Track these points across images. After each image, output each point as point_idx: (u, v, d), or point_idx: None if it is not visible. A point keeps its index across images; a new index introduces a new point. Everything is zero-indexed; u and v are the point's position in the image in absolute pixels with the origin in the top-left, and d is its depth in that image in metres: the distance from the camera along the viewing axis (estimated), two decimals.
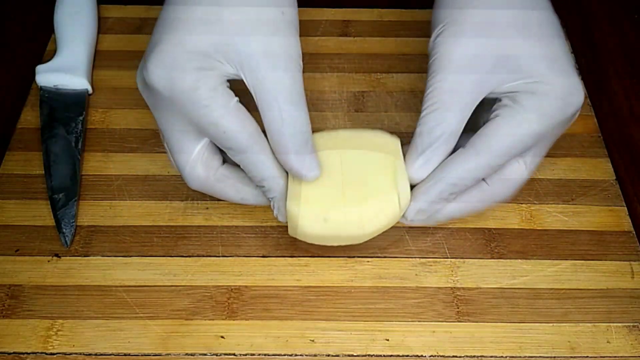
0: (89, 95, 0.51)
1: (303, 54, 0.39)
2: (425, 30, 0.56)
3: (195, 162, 0.39)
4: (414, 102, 0.51)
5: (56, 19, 0.53)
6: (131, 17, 0.56)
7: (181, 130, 0.39)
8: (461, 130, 0.39)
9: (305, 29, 0.56)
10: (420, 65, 0.54)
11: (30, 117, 0.50)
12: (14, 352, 0.39)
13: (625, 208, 0.46)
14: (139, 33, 0.55)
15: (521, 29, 0.39)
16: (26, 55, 0.55)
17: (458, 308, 0.41)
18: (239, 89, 0.38)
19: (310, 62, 0.53)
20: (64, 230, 0.43)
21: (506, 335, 0.40)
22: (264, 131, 0.38)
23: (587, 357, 0.39)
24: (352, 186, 0.39)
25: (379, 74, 0.53)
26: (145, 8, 0.57)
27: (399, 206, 0.39)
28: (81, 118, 0.49)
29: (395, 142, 0.41)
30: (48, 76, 0.50)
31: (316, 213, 0.38)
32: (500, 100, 0.39)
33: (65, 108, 0.49)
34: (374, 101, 0.51)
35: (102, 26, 0.56)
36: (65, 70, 0.50)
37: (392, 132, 0.42)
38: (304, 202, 0.38)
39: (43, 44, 0.54)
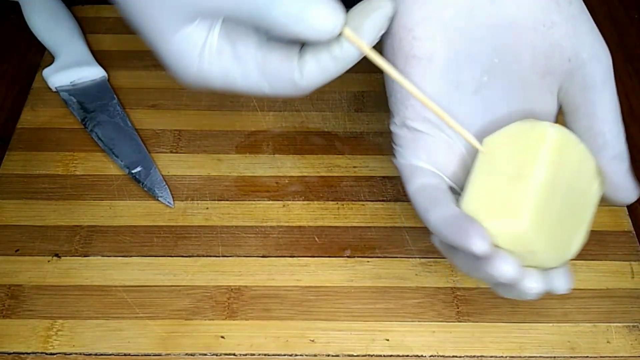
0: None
1: None
2: None
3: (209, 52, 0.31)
4: None
5: (36, 29, 0.54)
6: None
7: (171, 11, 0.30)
8: None
9: None
10: None
11: (30, 117, 0.50)
12: (14, 352, 0.39)
13: (625, 208, 0.46)
14: None
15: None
16: (26, 55, 0.55)
17: (458, 308, 0.41)
18: None
19: None
20: (160, 195, 0.45)
21: (506, 335, 0.40)
22: None
23: (587, 357, 0.39)
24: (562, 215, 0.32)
25: (379, 74, 0.53)
26: None
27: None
28: (115, 101, 0.50)
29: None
30: (60, 76, 0.51)
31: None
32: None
33: (94, 98, 0.50)
34: (374, 101, 0.51)
35: (102, 26, 0.56)
36: (76, 65, 0.51)
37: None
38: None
39: (43, 45, 0.54)
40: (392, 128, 0.36)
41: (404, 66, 0.34)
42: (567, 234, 0.33)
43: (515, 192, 0.31)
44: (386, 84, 0.36)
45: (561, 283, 0.33)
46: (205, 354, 0.39)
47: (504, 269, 0.31)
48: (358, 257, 0.43)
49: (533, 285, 0.32)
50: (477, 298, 0.41)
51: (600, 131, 0.34)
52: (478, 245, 0.30)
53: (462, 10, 0.33)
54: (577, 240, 0.33)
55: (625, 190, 0.34)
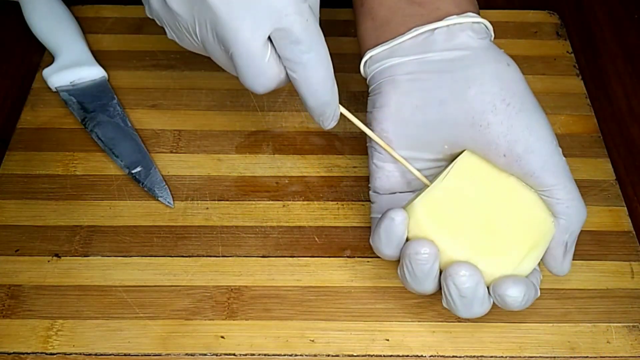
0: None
1: None
2: None
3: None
4: None
5: (36, 29, 0.54)
6: (131, 17, 0.56)
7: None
8: None
9: None
10: None
11: (30, 117, 0.50)
12: (14, 352, 0.39)
13: (625, 208, 0.46)
14: (139, 33, 0.55)
15: None
16: (26, 55, 0.55)
17: None
18: None
19: None
20: (160, 195, 0.45)
21: (506, 335, 0.40)
22: None
23: (587, 357, 0.39)
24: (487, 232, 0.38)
25: None
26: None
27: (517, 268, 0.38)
28: (115, 101, 0.50)
29: (548, 222, 0.39)
30: (60, 76, 0.51)
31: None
32: None
33: (94, 98, 0.50)
34: None
35: (102, 26, 0.56)
36: (76, 65, 0.51)
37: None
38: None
39: (43, 45, 0.54)
40: (370, 193, 0.43)
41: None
42: (506, 245, 0.37)
43: (423, 191, 0.39)
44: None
45: (506, 288, 0.36)
46: (205, 354, 0.39)
47: (419, 246, 0.36)
48: (358, 257, 0.43)
49: (462, 272, 0.36)
50: None
51: (554, 210, 0.39)
52: (393, 214, 0.37)
53: (418, 108, 0.40)
54: (529, 257, 0.38)
55: (556, 269, 0.39)
